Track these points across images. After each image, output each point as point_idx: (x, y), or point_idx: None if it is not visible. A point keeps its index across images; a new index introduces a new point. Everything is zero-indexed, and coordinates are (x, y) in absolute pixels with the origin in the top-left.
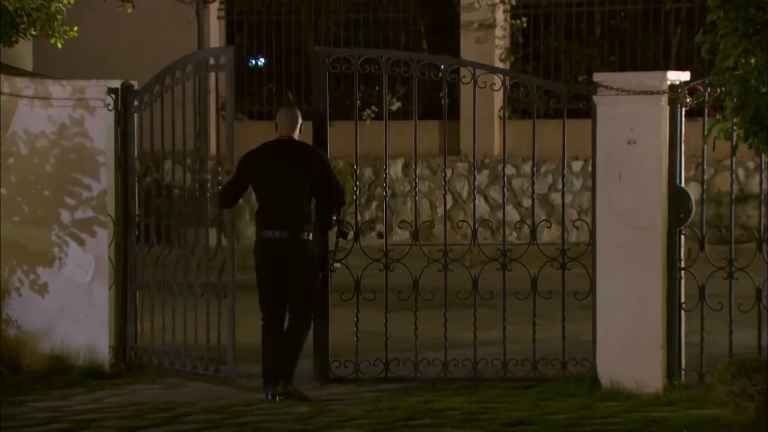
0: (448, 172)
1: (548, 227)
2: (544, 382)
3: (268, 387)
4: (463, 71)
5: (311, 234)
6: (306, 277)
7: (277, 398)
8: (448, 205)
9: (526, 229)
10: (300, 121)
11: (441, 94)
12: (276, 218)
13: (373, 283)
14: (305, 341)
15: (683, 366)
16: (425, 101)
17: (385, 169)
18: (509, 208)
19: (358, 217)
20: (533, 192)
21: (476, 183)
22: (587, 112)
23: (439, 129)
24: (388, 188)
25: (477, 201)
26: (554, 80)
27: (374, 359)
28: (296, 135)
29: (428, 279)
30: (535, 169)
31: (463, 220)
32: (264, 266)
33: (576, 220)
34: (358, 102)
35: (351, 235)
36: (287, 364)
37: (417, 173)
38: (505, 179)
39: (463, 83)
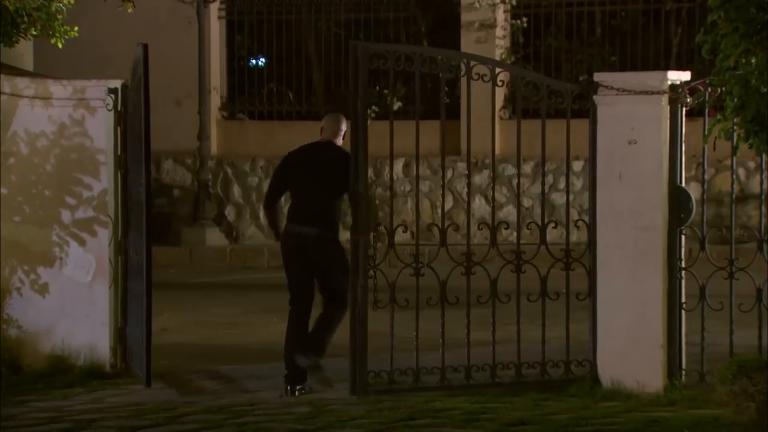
0: (448, 173)
1: (554, 227)
2: (555, 384)
3: (291, 379)
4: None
5: (338, 233)
6: (339, 272)
7: (299, 389)
8: (448, 206)
9: (526, 229)
10: (344, 128)
11: (440, 94)
12: (306, 215)
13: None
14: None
15: (684, 366)
16: (426, 101)
17: (416, 168)
18: (510, 208)
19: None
20: (543, 192)
21: (476, 183)
22: (587, 111)
23: (441, 129)
24: (392, 188)
25: (477, 201)
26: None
27: (405, 368)
28: (339, 141)
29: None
30: (535, 169)
31: (484, 223)
32: (291, 259)
33: (577, 221)
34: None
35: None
36: (322, 340)
37: (443, 173)
38: (519, 179)
39: (484, 81)
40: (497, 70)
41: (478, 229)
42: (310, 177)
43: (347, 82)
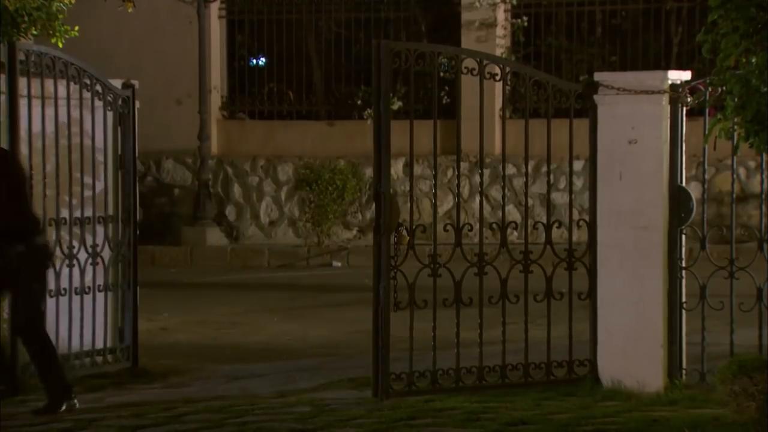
0: (449, 172)
1: (558, 227)
2: (557, 384)
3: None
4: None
5: None
6: None
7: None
8: (449, 205)
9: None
10: None
11: (442, 93)
12: None
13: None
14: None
15: (684, 365)
16: (426, 101)
17: (434, 167)
18: (510, 207)
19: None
20: (549, 192)
21: (476, 183)
22: (587, 111)
23: (441, 128)
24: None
25: (477, 201)
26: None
27: (424, 370)
28: None
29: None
30: (536, 169)
31: (496, 223)
32: None
33: (578, 220)
34: (359, 102)
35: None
36: None
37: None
38: (527, 178)
39: (495, 80)
40: (507, 68)
41: (490, 229)
42: None
43: (347, 81)
